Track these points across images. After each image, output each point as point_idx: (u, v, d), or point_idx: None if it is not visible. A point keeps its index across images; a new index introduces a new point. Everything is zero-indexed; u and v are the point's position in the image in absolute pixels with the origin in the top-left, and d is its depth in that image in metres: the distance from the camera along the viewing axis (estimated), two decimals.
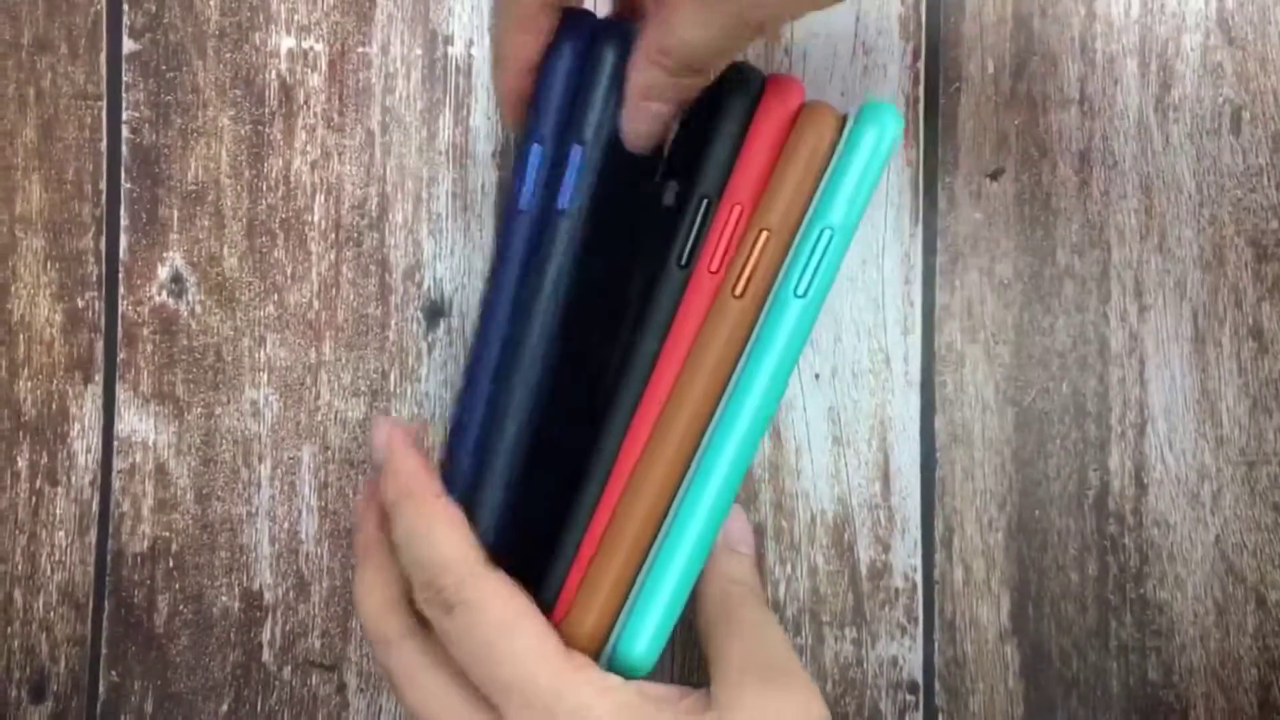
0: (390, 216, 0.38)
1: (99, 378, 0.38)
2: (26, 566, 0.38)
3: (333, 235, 0.38)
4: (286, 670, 0.38)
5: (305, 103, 0.38)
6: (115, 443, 0.38)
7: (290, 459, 0.38)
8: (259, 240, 0.38)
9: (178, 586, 0.38)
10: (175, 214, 0.38)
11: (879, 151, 0.28)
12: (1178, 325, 0.37)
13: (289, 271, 0.38)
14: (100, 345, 0.38)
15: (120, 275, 0.38)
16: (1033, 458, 0.37)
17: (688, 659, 0.38)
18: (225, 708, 0.38)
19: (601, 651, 0.29)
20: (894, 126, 0.28)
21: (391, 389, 0.38)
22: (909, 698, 0.37)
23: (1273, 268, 0.37)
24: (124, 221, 0.38)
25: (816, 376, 0.38)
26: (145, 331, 0.38)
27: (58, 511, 0.38)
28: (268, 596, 0.38)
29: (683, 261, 0.29)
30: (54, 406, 0.38)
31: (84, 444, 0.38)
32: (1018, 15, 0.38)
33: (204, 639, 0.38)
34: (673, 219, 0.30)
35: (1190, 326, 0.37)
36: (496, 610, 0.27)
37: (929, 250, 0.38)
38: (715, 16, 0.26)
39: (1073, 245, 0.38)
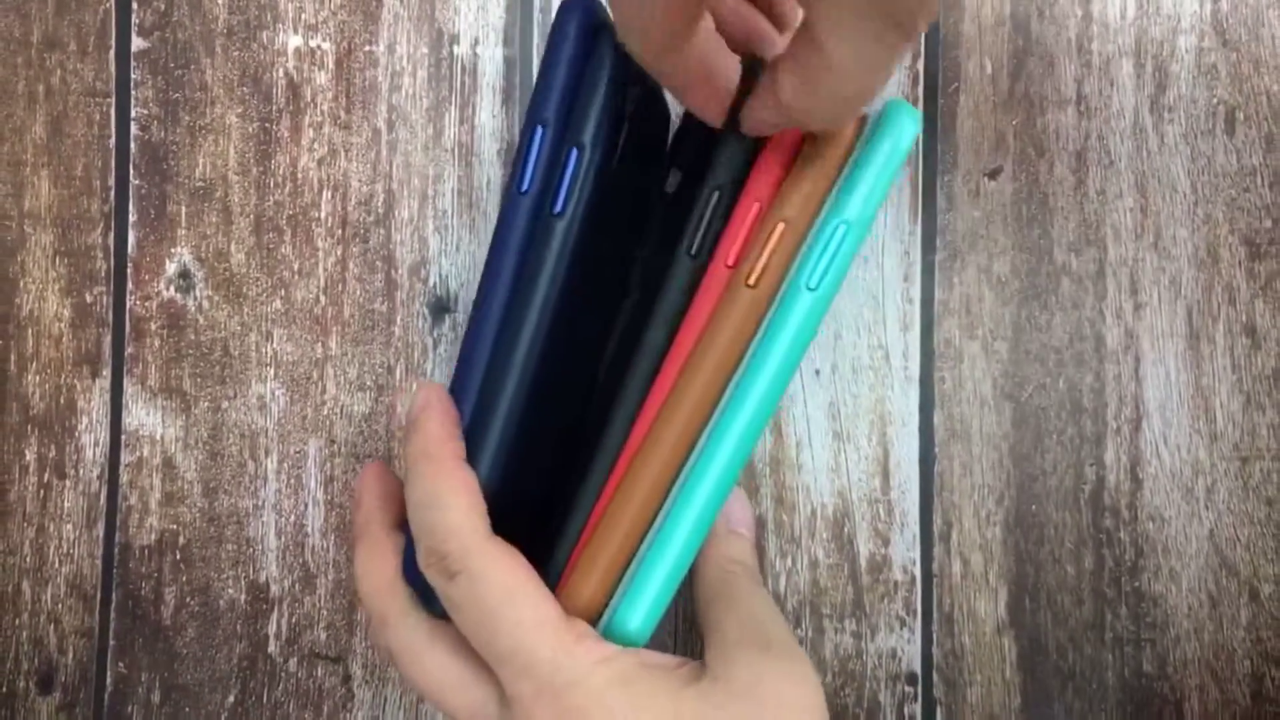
0: (396, 213, 0.38)
1: (107, 372, 0.39)
2: (35, 559, 0.38)
3: (339, 231, 0.38)
4: (292, 662, 0.38)
5: (312, 100, 0.39)
6: (123, 436, 0.38)
7: (297, 453, 0.38)
8: (266, 236, 0.39)
9: (185, 579, 0.38)
10: (183, 210, 0.39)
11: (898, 150, 0.29)
12: (1173, 322, 0.38)
13: (296, 267, 0.38)
14: (108, 340, 0.39)
15: (128, 270, 0.39)
16: (1030, 453, 0.38)
17: (690, 639, 0.38)
18: (231, 699, 0.38)
19: (598, 622, 0.29)
20: (913, 126, 0.29)
21: (397, 384, 0.38)
22: (908, 689, 0.38)
23: (1266, 266, 0.38)
24: (132, 217, 0.39)
25: (817, 372, 0.38)
26: (153, 326, 0.38)
27: (66, 504, 0.38)
28: (274, 589, 0.38)
29: (693, 251, 0.30)
30: (62, 400, 0.38)
31: (92, 438, 0.39)
32: (1016, 17, 0.38)
33: (211, 631, 0.38)
34: (679, 208, 0.30)
35: (1185, 324, 0.38)
36: (498, 579, 0.27)
37: (928, 248, 0.38)
38: (872, 37, 0.23)
39: (1069, 243, 0.38)
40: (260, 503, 0.38)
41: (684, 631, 0.38)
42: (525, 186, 0.30)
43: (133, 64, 0.39)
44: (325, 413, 0.38)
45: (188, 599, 0.38)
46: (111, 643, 0.38)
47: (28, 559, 0.38)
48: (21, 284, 0.39)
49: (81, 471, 0.39)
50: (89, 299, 0.39)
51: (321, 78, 0.39)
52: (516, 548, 0.29)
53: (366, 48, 0.39)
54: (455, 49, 0.39)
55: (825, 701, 0.29)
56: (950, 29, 0.38)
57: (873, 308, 0.38)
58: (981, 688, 0.38)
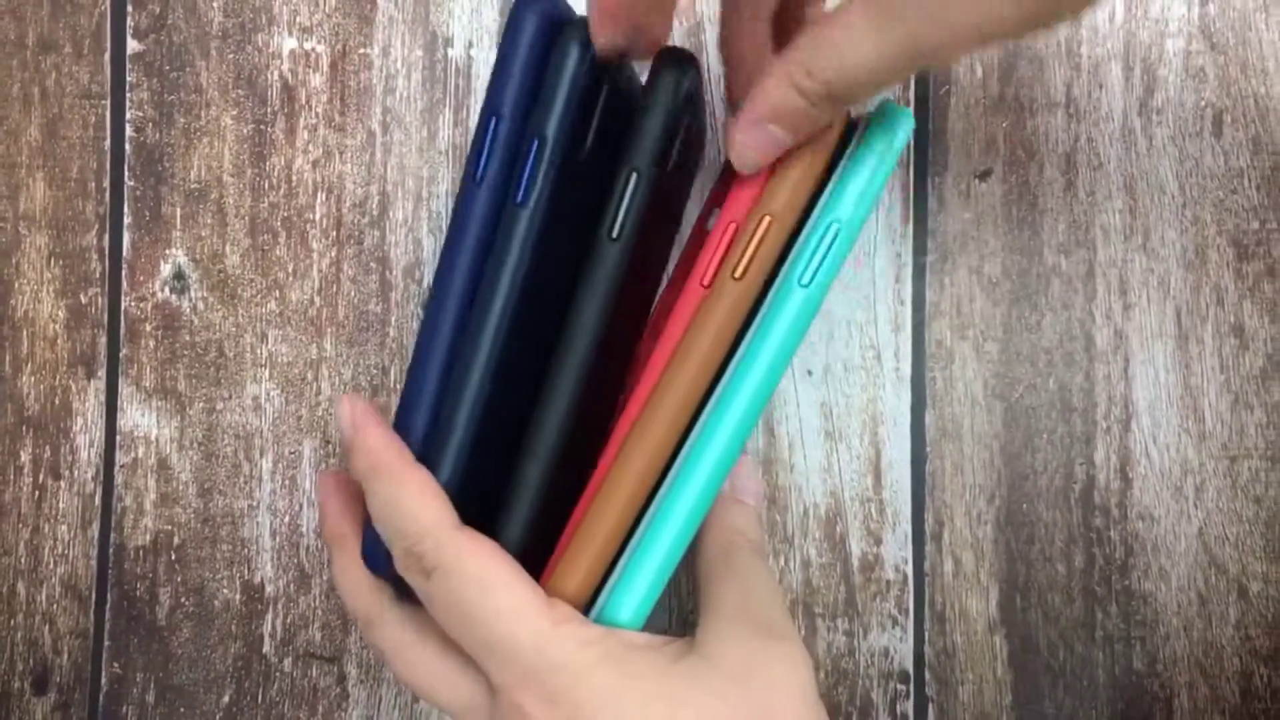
0: (391, 215, 0.39)
1: (102, 373, 0.39)
2: (30, 560, 0.39)
3: (334, 233, 0.39)
4: (287, 662, 0.38)
5: (307, 103, 0.39)
6: (118, 437, 0.39)
7: (291, 453, 0.38)
8: (261, 238, 0.39)
9: (179, 579, 0.38)
10: (178, 212, 0.39)
11: (891, 150, 0.29)
12: (1161, 323, 0.38)
13: (290, 269, 0.39)
14: (103, 341, 0.39)
15: (123, 272, 0.39)
16: (1021, 452, 0.38)
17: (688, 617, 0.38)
18: (227, 699, 0.38)
19: (589, 610, 0.29)
20: (906, 127, 0.29)
21: (392, 384, 0.38)
22: (900, 687, 0.38)
23: (1253, 267, 0.38)
24: (127, 219, 0.39)
25: (809, 372, 0.38)
26: (148, 327, 0.39)
27: (61, 505, 0.39)
28: (269, 589, 0.38)
29: (614, 235, 0.30)
30: (57, 401, 0.39)
31: (87, 439, 0.39)
32: None
33: (206, 631, 0.38)
34: (601, 189, 0.30)
35: (1174, 324, 0.38)
36: (473, 569, 0.27)
37: (919, 249, 0.39)
38: (889, 38, 0.25)
39: (1059, 245, 0.38)
40: (255, 503, 0.38)
41: (680, 612, 0.38)
42: (480, 177, 0.30)
43: (128, 66, 0.39)
44: (320, 414, 0.38)
45: (183, 599, 0.38)
46: (106, 643, 0.38)
47: (23, 560, 0.39)
48: (16, 285, 0.39)
49: (76, 472, 0.39)
50: (84, 300, 0.39)
51: (316, 80, 0.39)
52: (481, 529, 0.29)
53: (361, 50, 0.39)
54: (449, 51, 0.39)
55: (815, 682, 0.29)
56: None
57: (864, 308, 0.38)
58: (973, 685, 0.38)
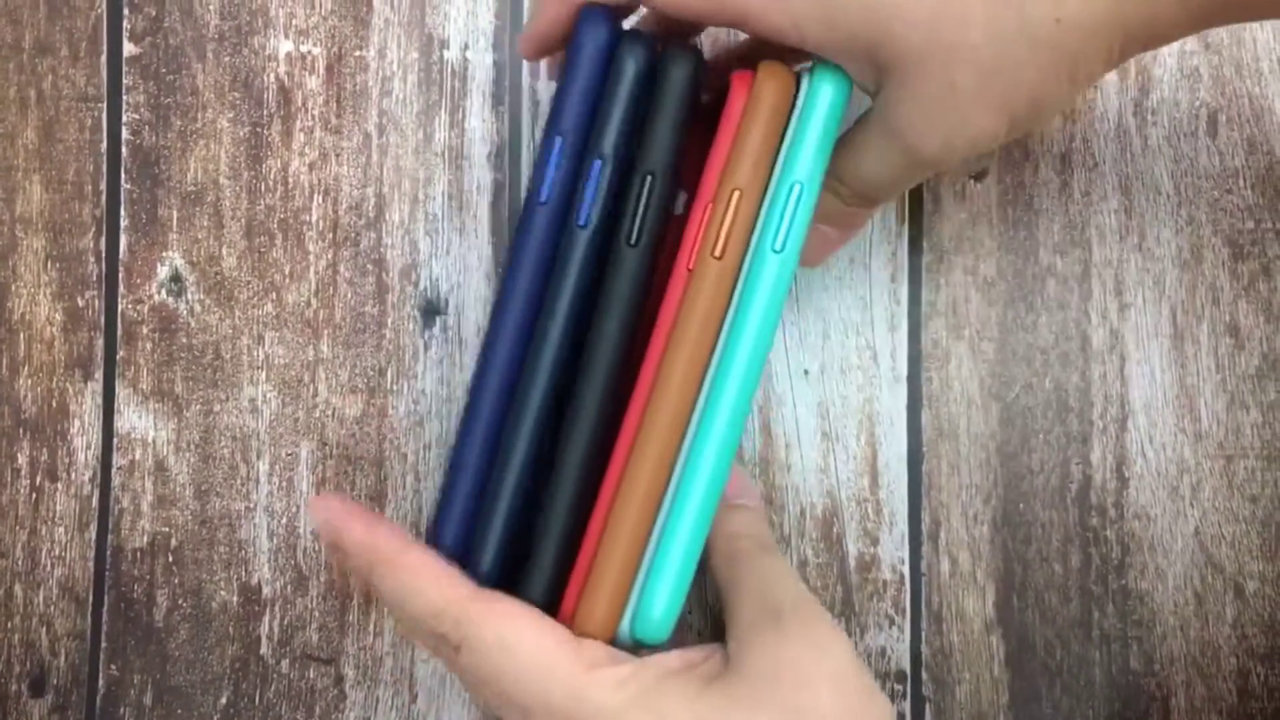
0: (387, 217, 0.39)
1: (99, 375, 0.39)
2: (27, 562, 0.39)
3: (330, 235, 0.39)
4: (284, 663, 0.38)
5: (303, 105, 0.39)
6: (115, 439, 0.39)
7: (288, 455, 0.38)
8: (257, 240, 0.39)
9: (177, 581, 0.38)
10: (174, 214, 0.39)
11: (835, 104, 0.29)
12: (1157, 322, 0.38)
13: (287, 271, 0.39)
14: (100, 343, 0.39)
15: (120, 274, 0.39)
16: (1017, 452, 0.38)
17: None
18: (224, 700, 0.38)
19: (616, 632, 0.29)
20: (844, 81, 0.29)
21: (388, 386, 0.38)
22: (897, 687, 0.38)
23: (1249, 266, 0.38)
24: (124, 222, 0.39)
25: (806, 373, 0.38)
26: (145, 330, 0.39)
27: (58, 507, 0.39)
28: (266, 591, 0.38)
29: (632, 240, 0.30)
30: (54, 404, 0.39)
31: (84, 441, 0.39)
32: None
33: (203, 633, 0.38)
34: (617, 197, 0.30)
35: (1169, 324, 0.38)
36: (493, 636, 0.27)
37: (915, 249, 0.39)
38: (896, 157, 0.29)
39: (1055, 245, 0.38)
40: (252, 505, 0.38)
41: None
42: (544, 198, 0.30)
43: (124, 69, 0.39)
44: (317, 415, 0.39)
45: (180, 601, 0.38)
46: (104, 645, 0.38)
47: (19, 562, 0.39)
48: (13, 288, 0.39)
49: (73, 475, 0.39)
50: (80, 303, 0.39)
51: (312, 82, 0.39)
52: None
53: (357, 53, 0.39)
54: (445, 54, 0.39)
55: (851, 654, 0.28)
56: None
57: (861, 309, 0.38)
58: (970, 685, 0.38)
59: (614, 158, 0.30)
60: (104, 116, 0.39)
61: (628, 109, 0.30)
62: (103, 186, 0.39)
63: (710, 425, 0.29)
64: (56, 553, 0.39)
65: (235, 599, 0.38)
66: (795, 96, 0.29)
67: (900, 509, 0.38)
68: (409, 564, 0.28)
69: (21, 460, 0.39)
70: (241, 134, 0.39)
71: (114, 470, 0.39)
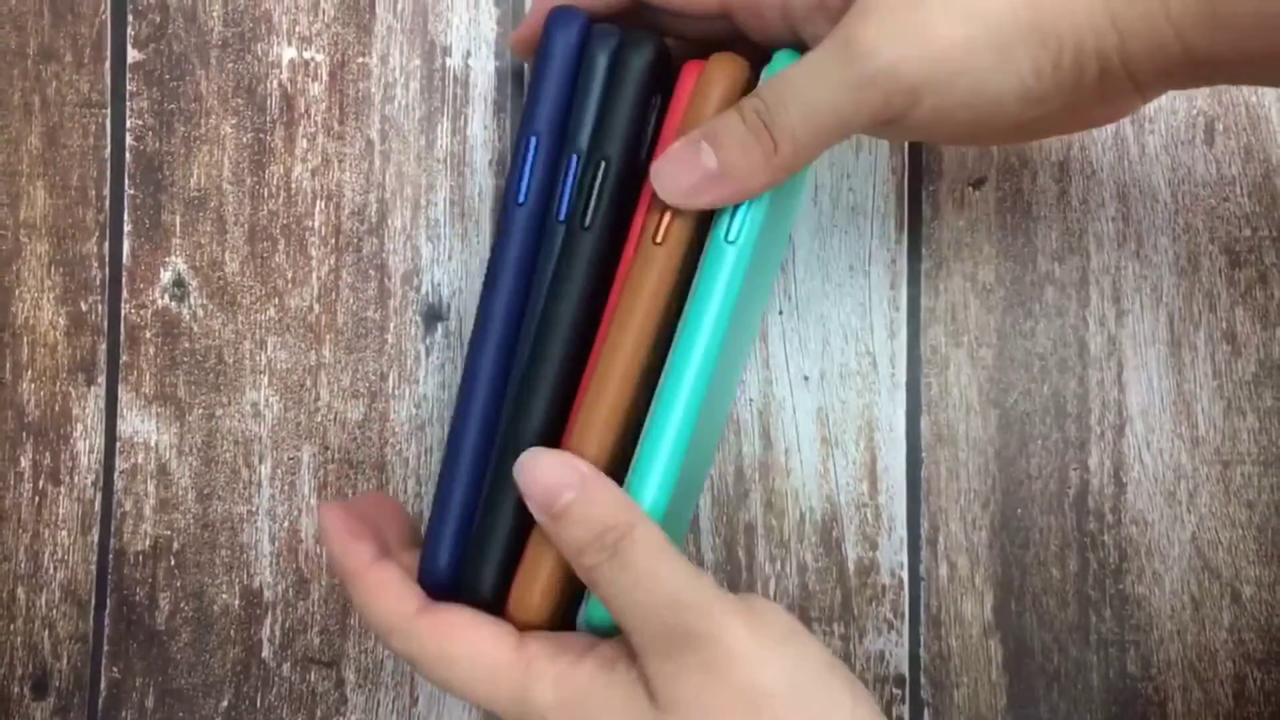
0: (389, 222, 0.39)
1: (102, 379, 0.39)
2: (29, 565, 0.39)
3: (333, 240, 0.39)
4: (286, 666, 0.38)
5: (306, 111, 0.39)
6: (117, 443, 0.39)
7: (290, 459, 0.39)
8: (260, 245, 0.39)
9: (179, 584, 0.39)
10: (178, 219, 0.39)
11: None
12: (1154, 329, 0.39)
13: (289, 276, 0.39)
14: (103, 348, 0.39)
15: (123, 279, 0.39)
16: (1015, 457, 0.38)
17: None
18: (225, 703, 0.38)
19: (582, 620, 0.29)
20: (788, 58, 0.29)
21: (390, 391, 0.39)
22: (895, 691, 0.38)
23: (1245, 273, 0.38)
24: (127, 227, 0.39)
25: (805, 378, 0.39)
26: (147, 334, 0.39)
27: (60, 511, 0.39)
28: (267, 594, 0.38)
29: (586, 224, 0.30)
30: (57, 408, 0.39)
31: (86, 444, 0.39)
32: None
33: (205, 636, 0.38)
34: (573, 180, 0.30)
35: (1166, 330, 0.39)
36: (435, 650, 0.28)
37: (914, 256, 0.39)
38: (840, 73, 0.27)
39: (1053, 252, 0.39)
40: (254, 509, 0.39)
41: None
42: (522, 198, 0.30)
43: (128, 75, 0.39)
44: (319, 419, 0.39)
45: (182, 604, 0.39)
46: (106, 648, 0.38)
47: (22, 565, 0.39)
48: (17, 293, 0.39)
49: (76, 478, 0.39)
50: (84, 307, 0.39)
51: (315, 89, 0.39)
52: None
53: (360, 59, 0.39)
54: (447, 61, 0.39)
55: (792, 619, 0.28)
56: None
57: (860, 315, 0.39)
58: (968, 689, 0.38)
59: (590, 152, 0.30)
60: (108, 122, 0.39)
61: (600, 102, 0.30)
62: (106, 192, 0.39)
63: (660, 420, 0.28)
64: (59, 556, 0.39)
65: (237, 602, 0.39)
66: (750, 86, 0.29)
67: (899, 514, 0.38)
68: (368, 582, 0.29)
69: (24, 464, 0.39)
70: (244, 140, 0.39)
71: (116, 474, 0.39)
